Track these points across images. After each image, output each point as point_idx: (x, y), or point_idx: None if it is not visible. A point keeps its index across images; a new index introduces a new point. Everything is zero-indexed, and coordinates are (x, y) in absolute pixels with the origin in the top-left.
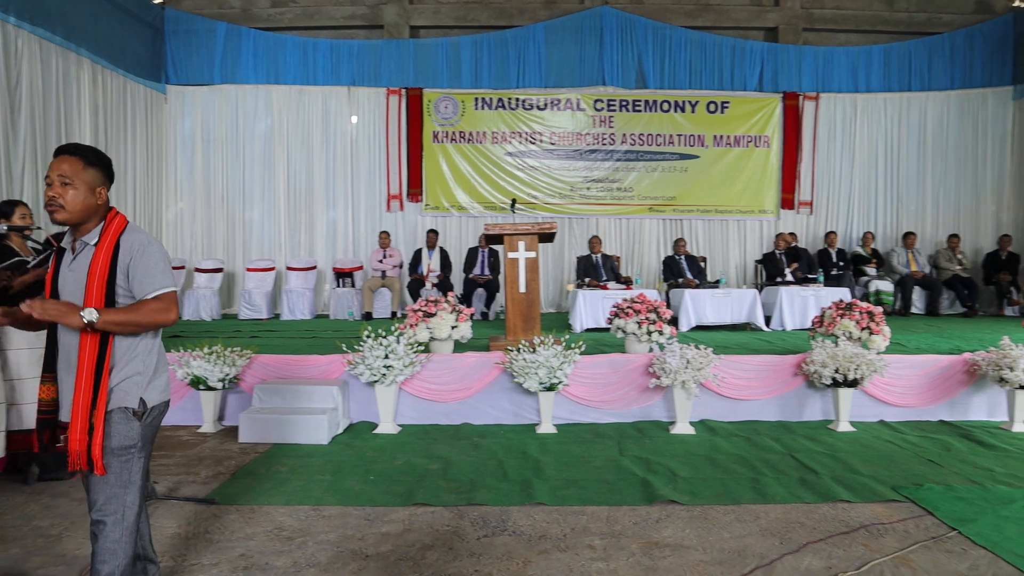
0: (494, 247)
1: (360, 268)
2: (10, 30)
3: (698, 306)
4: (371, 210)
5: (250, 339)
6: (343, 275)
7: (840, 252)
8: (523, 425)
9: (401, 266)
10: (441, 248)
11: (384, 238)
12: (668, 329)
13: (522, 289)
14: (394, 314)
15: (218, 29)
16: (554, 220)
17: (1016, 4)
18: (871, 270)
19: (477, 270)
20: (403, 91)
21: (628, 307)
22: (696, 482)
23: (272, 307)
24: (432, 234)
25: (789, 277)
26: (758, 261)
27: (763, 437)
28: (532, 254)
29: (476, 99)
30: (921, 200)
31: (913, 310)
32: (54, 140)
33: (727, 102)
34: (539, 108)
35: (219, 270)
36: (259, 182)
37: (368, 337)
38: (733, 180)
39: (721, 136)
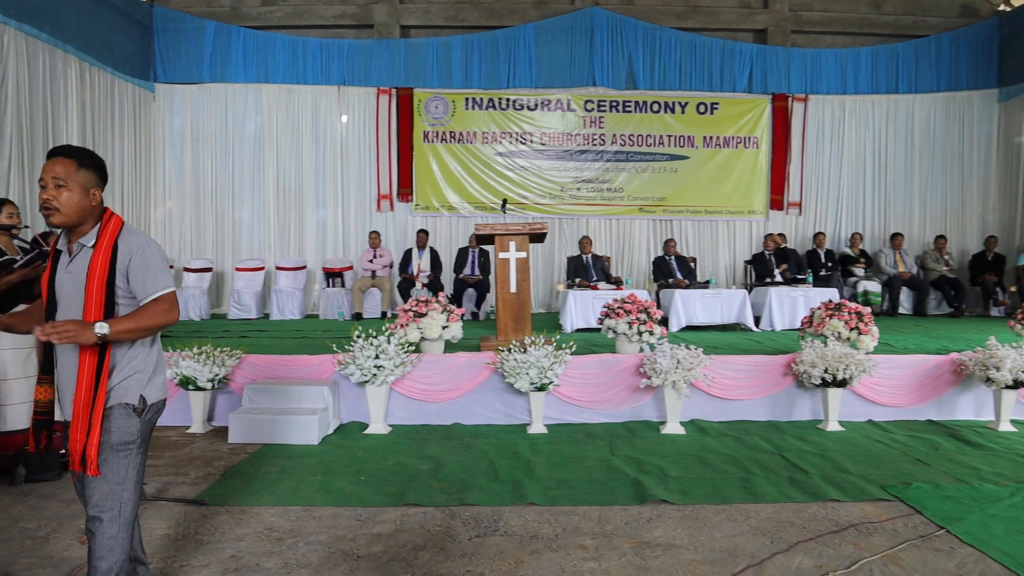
0: (484, 247)
1: (350, 268)
2: None
3: (688, 306)
4: (361, 210)
5: (239, 339)
6: (333, 275)
7: (828, 253)
8: (514, 425)
9: (391, 266)
10: (431, 248)
11: (374, 238)
12: (658, 329)
13: (513, 289)
14: (384, 314)
15: (207, 27)
16: (544, 220)
17: (1001, 8)
18: (859, 271)
19: (467, 270)
20: (393, 91)
21: (619, 307)
22: (687, 482)
23: (261, 307)
24: (422, 234)
25: (778, 278)
26: (747, 262)
27: (753, 437)
28: (523, 254)
29: (466, 99)
30: (908, 201)
31: (900, 310)
32: (41, 138)
33: (717, 103)
34: (529, 108)
35: (208, 270)
36: (248, 181)
37: (359, 337)
38: (723, 181)
39: (711, 137)
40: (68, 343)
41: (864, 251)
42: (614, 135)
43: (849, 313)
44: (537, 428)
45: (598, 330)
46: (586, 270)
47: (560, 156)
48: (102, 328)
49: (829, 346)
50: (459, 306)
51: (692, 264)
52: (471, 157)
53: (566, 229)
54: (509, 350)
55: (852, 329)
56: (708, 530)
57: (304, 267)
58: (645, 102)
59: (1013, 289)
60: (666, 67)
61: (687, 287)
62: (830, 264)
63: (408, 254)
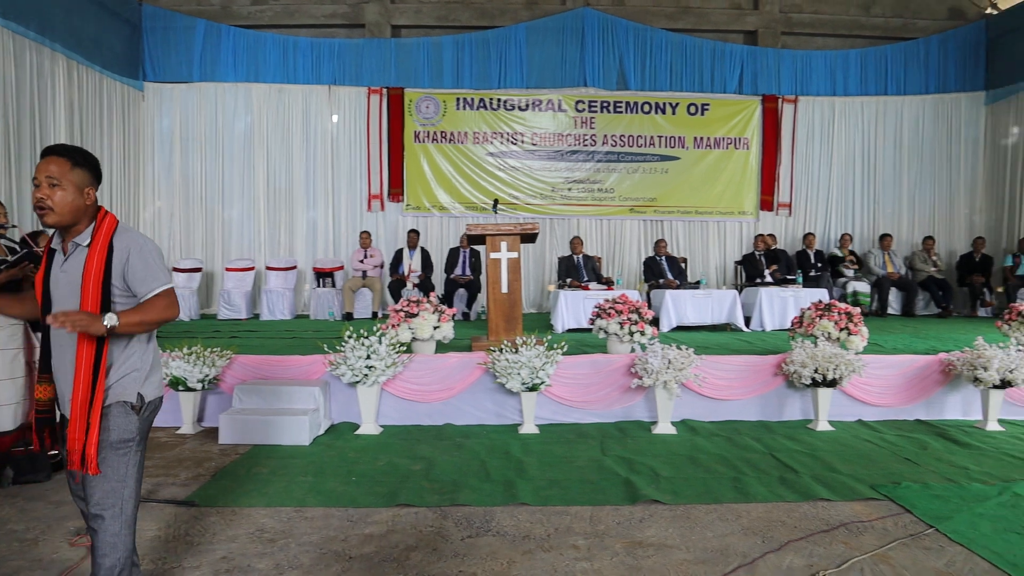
0: (475, 247)
1: (341, 268)
2: None
3: (679, 307)
4: (352, 210)
5: (230, 339)
6: (323, 275)
7: (818, 253)
8: (506, 425)
9: (382, 266)
10: (422, 248)
11: (365, 238)
12: (650, 329)
13: (504, 289)
14: (375, 314)
15: (197, 26)
16: (535, 221)
17: (988, 11)
18: (849, 271)
19: (458, 270)
20: (384, 91)
21: (610, 307)
22: (678, 482)
23: (251, 307)
24: (413, 234)
25: (768, 278)
26: (738, 262)
27: (744, 437)
28: (514, 254)
29: (458, 99)
30: (897, 202)
31: (889, 311)
32: (28, 137)
33: (707, 104)
34: (520, 109)
35: (198, 270)
36: (238, 181)
37: (350, 337)
38: (713, 182)
39: (701, 138)
40: (79, 331)
41: (854, 252)
42: (605, 135)
43: (839, 313)
44: (529, 428)
45: (589, 330)
46: (577, 270)
47: (551, 156)
48: (111, 319)
49: (819, 346)
50: (450, 306)
51: (683, 264)
52: (462, 157)
53: (557, 229)
54: (500, 350)
55: (842, 329)
56: (700, 530)
57: (294, 267)
58: (636, 103)
59: (1000, 290)
60: (657, 68)
61: (678, 287)
62: (820, 265)
63: (399, 254)
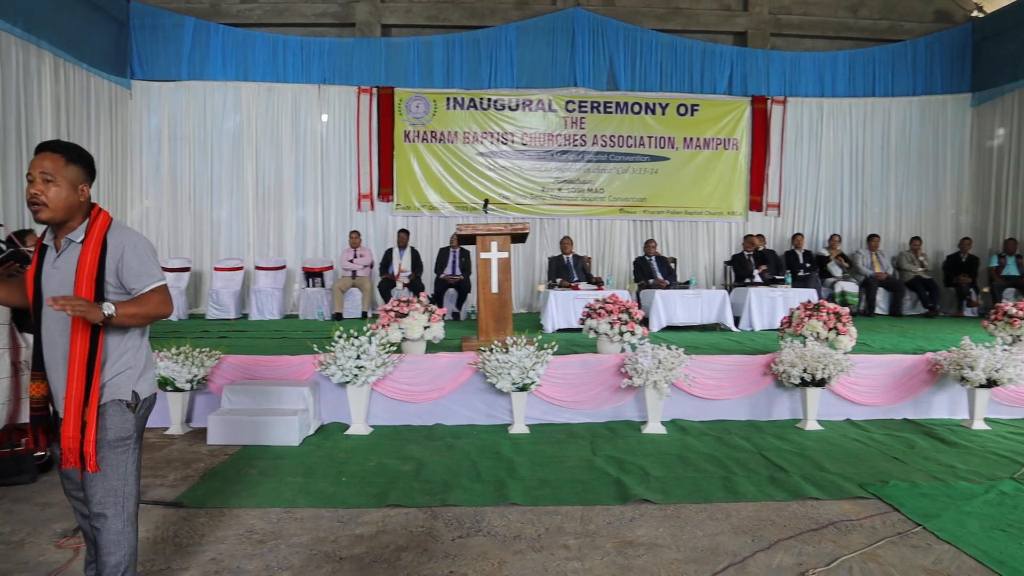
0: (465, 247)
1: (330, 268)
2: None
3: (669, 307)
4: (341, 209)
5: (218, 339)
6: (313, 275)
7: (807, 254)
8: (496, 425)
9: (372, 266)
10: (412, 248)
11: (354, 238)
12: (640, 329)
13: (494, 289)
14: (365, 314)
15: (186, 24)
16: (526, 221)
17: (974, 14)
18: (838, 271)
19: (448, 270)
20: (374, 90)
21: (600, 307)
22: (668, 481)
23: (240, 307)
24: (403, 234)
25: (757, 278)
26: (727, 262)
27: (733, 436)
28: (504, 254)
29: (448, 99)
30: (884, 203)
31: (877, 311)
32: (14, 135)
33: (697, 105)
34: (511, 108)
35: (186, 269)
36: (227, 180)
37: (340, 337)
38: (703, 182)
39: (691, 138)
40: (77, 316)
41: (842, 252)
42: (595, 136)
43: (827, 313)
44: (519, 428)
45: (579, 330)
46: (567, 270)
47: (541, 156)
48: (109, 308)
49: (808, 346)
50: (440, 306)
51: (672, 264)
52: (452, 157)
53: (547, 229)
54: (491, 350)
55: (831, 329)
56: (690, 529)
57: (284, 267)
58: (626, 103)
59: (986, 290)
60: (647, 68)
61: (667, 287)
62: (808, 265)
63: (389, 254)
